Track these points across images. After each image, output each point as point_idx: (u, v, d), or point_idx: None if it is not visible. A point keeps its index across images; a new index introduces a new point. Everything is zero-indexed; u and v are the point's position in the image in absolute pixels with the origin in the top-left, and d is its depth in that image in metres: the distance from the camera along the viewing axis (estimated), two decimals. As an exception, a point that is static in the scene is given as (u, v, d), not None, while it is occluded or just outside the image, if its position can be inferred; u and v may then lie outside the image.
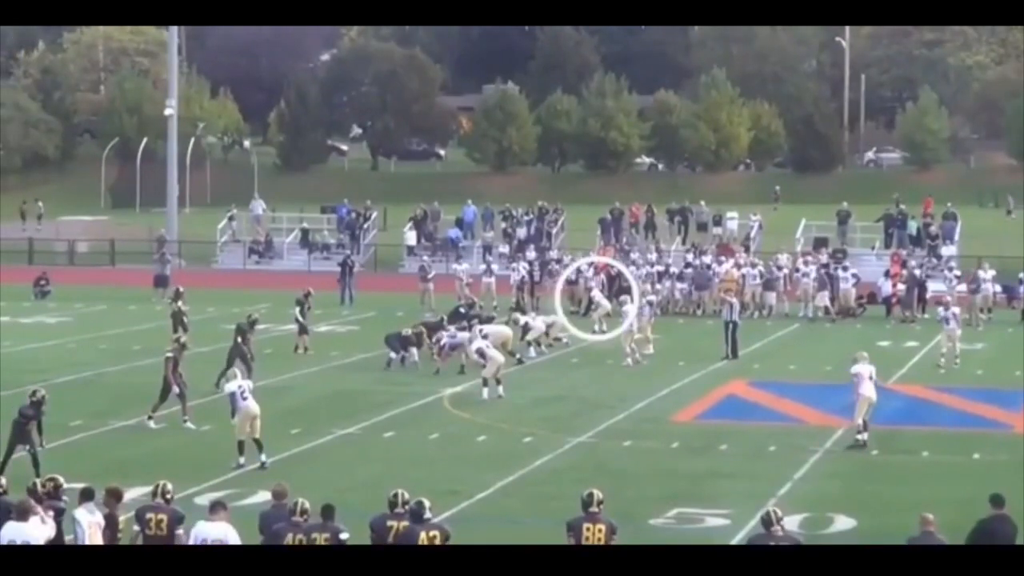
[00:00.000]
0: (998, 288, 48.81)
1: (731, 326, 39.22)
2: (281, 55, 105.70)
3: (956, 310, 38.60)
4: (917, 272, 49.59)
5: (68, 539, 17.11)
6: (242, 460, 25.44)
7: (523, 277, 50.53)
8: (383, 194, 77.60)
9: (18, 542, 15.83)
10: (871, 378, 27.90)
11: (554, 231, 63.84)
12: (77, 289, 54.49)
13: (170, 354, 29.26)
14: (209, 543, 16.22)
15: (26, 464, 23.65)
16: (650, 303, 41.22)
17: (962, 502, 21.55)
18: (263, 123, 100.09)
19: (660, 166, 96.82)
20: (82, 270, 63.62)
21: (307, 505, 16.62)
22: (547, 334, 39.95)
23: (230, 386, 26.43)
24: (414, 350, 36.58)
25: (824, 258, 52.52)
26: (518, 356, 37.26)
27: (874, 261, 57.17)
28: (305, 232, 66.46)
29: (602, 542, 16.25)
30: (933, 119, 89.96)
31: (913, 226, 59.84)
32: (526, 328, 39.02)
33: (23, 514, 16.15)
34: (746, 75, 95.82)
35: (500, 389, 32.47)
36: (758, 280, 49.20)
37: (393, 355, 36.65)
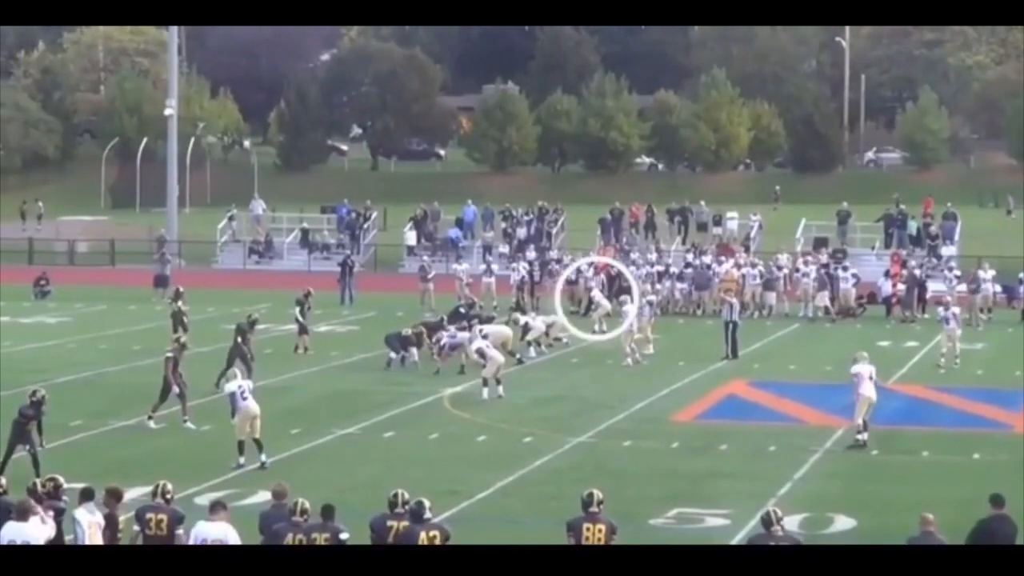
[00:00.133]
0: (998, 288, 48.81)
1: (731, 326, 39.22)
2: (281, 55, 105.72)
3: (956, 310, 38.59)
4: (917, 272, 49.59)
5: (68, 539, 17.11)
6: (242, 460, 25.45)
7: (523, 277, 50.53)
8: (383, 194, 77.61)
9: (18, 542, 15.82)
10: (871, 378, 27.91)
11: (554, 231, 63.84)
12: (77, 289, 54.49)
13: (170, 354, 29.26)
14: (209, 543, 16.22)
15: (26, 464, 23.65)
16: (650, 303, 41.22)
17: (962, 502, 21.56)
18: (263, 123, 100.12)
19: (660, 166, 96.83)
20: (82, 270, 63.62)
21: (307, 505, 16.62)
22: (547, 334, 39.95)
23: (230, 386, 26.43)
24: (414, 350, 36.57)
25: (824, 258, 52.52)
26: (518, 356, 37.26)
27: (874, 261, 57.17)
28: (305, 232, 66.46)
29: (602, 542, 16.25)
30: (933, 119, 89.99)
31: (913, 226, 59.84)
32: (526, 328, 39.03)
33: (23, 514, 16.15)
34: (746, 75, 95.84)
35: (500, 389, 32.47)
36: (758, 280, 49.20)
37: (393, 355, 36.65)
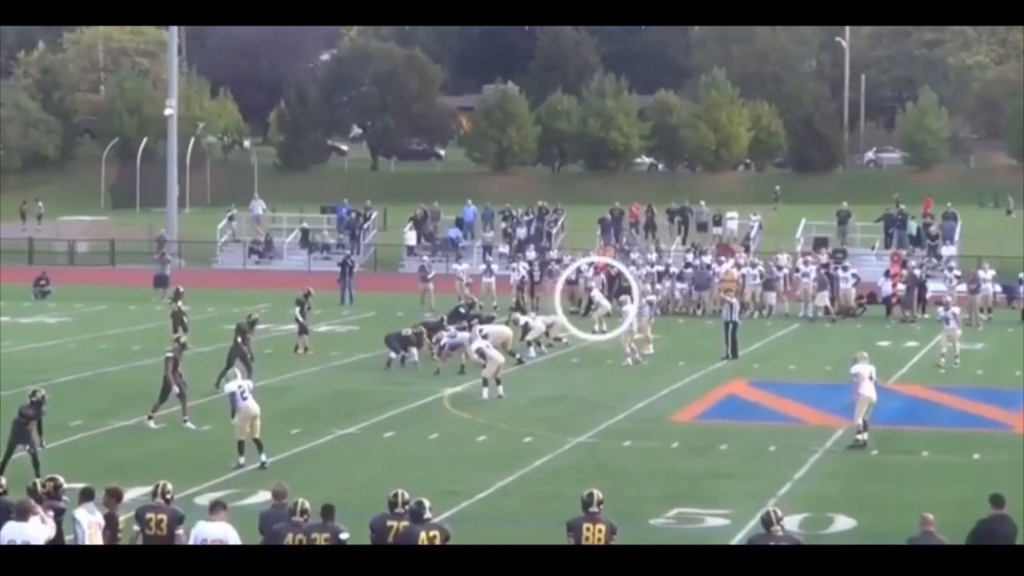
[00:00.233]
0: (998, 288, 48.81)
1: (731, 326, 39.22)
2: (281, 55, 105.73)
3: (956, 310, 38.58)
4: (917, 272, 49.59)
5: (68, 539, 17.11)
6: (242, 460, 25.44)
7: (523, 277, 50.53)
8: (383, 194, 77.61)
9: (18, 542, 15.83)
10: (871, 378, 27.90)
11: (554, 231, 63.84)
12: (77, 289, 54.49)
13: (170, 354, 29.26)
14: (209, 543, 16.22)
15: (26, 464, 23.65)
16: (650, 303, 41.23)
17: (962, 502, 21.55)
18: (263, 123, 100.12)
19: (660, 166, 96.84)
20: (82, 270, 63.62)
21: (307, 505, 16.62)
22: (547, 334, 39.94)
23: (230, 386, 26.43)
24: (414, 350, 36.57)
25: (824, 258, 52.51)
26: (518, 356, 37.26)
27: (874, 261, 57.17)
28: (305, 232, 66.46)
29: (602, 542, 16.25)
30: (933, 119, 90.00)
31: (913, 226, 59.85)
32: (526, 328, 39.03)
33: (23, 514, 16.15)
34: (746, 75, 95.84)
35: (500, 389, 32.47)
36: (758, 280, 49.20)
37: (393, 355, 36.65)
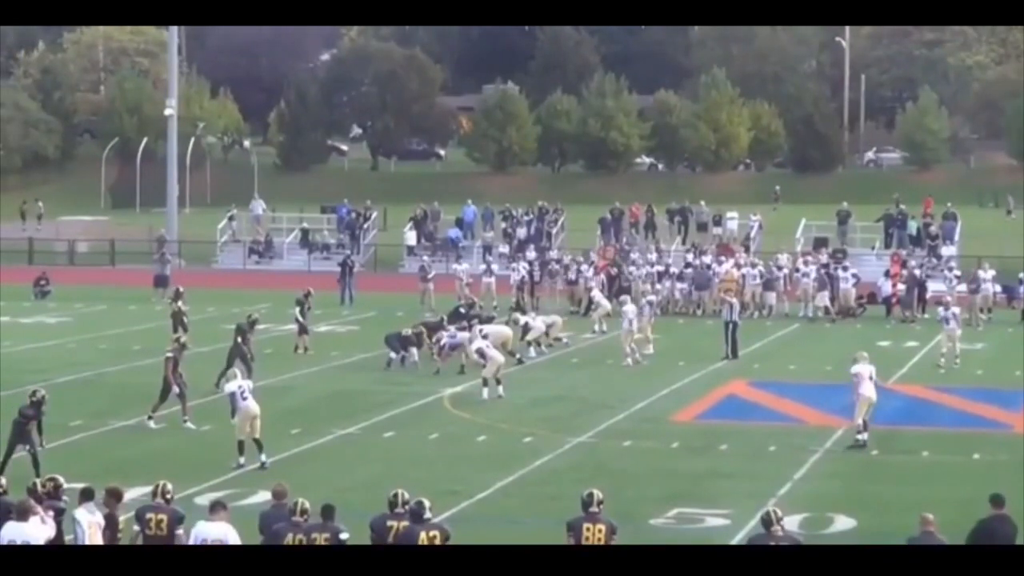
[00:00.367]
0: (998, 288, 48.82)
1: (731, 326, 39.21)
2: (281, 55, 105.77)
3: (956, 310, 38.58)
4: (917, 272, 49.60)
5: (68, 539, 17.11)
6: (242, 460, 25.44)
7: (523, 277, 50.53)
8: (383, 194, 77.60)
9: (18, 542, 15.83)
10: (871, 378, 27.89)
11: (554, 231, 63.83)
12: (77, 289, 54.49)
13: (170, 354, 29.25)
14: (209, 543, 16.22)
15: (26, 464, 23.64)
16: (650, 303, 41.23)
17: (962, 502, 21.56)
18: (263, 123, 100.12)
19: (660, 166, 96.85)
20: (82, 270, 63.62)
21: (307, 505, 16.62)
22: (547, 334, 39.94)
23: (230, 386, 26.43)
24: (414, 350, 36.56)
25: (824, 258, 52.51)
26: (518, 356, 37.26)
27: (874, 261, 57.16)
28: (305, 232, 66.45)
29: (602, 542, 16.25)
30: (933, 119, 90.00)
31: (913, 226, 59.84)
32: (526, 328, 39.02)
33: (23, 514, 16.15)
34: (746, 75, 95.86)
35: (500, 389, 32.46)
36: (758, 280, 49.20)
37: (393, 355, 36.64)
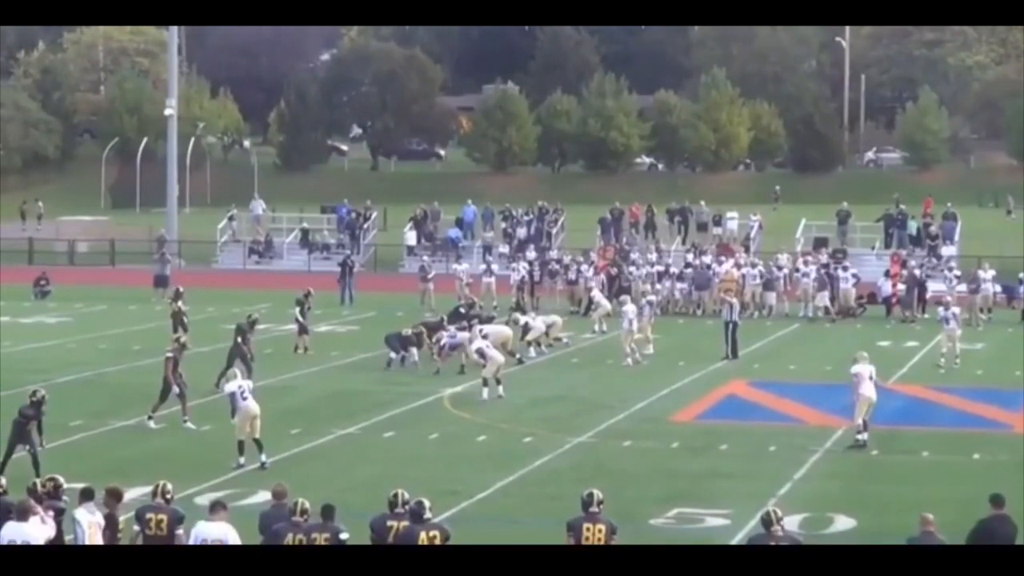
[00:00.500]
0: (998, 288, 48.83)
1: (731, 326, 39.20)
2: (281, 55, 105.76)
3: (956, 310, 38.58)
4: (917, 272, 49.59)
5: (68, 539, 17.10)
6: (242, 460, 25.44)
7: (523, 277, 50.53)
8: (383, 194, 77.59)
9: (18, 542, 15.83)
10: (871, 378, 27.88)
11: (554, 231, 63.82)
12: (77, 289, 54.47)
13: (170, 354, 29.25)
14: (209, 543, 16.22)
15: (26, 464, 23.63)
16: (650, 303, 41.22)
17: (962, 502, 21.56)
18: (263, 123, 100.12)
19: (660, 166, 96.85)
20: (82, 270, 63.61)
21: (307, 505, 16.62)
22: (547, 334, 39.93)
23: (230, 386, 26.42)
24: (414, 350, 36.55)
25: (824, 258, 52.50)
26: (518, 356, 37.25)
27: (874, 261, 57.14)
28: (305, 232, 66.45)
29: (602, 542, 16.24)
30: (933, 119, 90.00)
31: (913, 226, 59.84)
32: (526, 328, 39.01)
33: (23, 514, 16.15)
34: (746, 75, 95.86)
35: (500, 389, 32.46)
36: (758, 280, 49.20)
37: (393, 355, 36.63)
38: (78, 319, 46.93)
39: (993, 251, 54.15)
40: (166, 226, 66.97)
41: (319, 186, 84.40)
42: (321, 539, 16.25)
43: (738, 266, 50.22)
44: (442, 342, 36.25)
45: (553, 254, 55.51)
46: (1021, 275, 49.92)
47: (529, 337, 38.96)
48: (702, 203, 65.45)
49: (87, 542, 16.61)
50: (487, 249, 61.34)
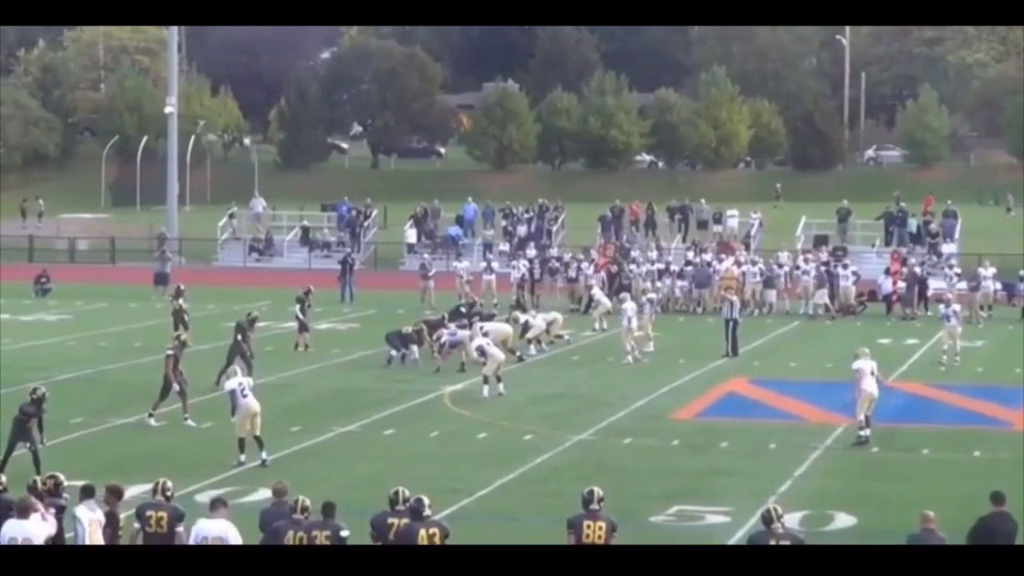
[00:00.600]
0: (998, 286, 48.84)
1: (731, 324, 39.21)
2: (281, 53, 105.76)
3: (957, 307, 38.63)
4: (917, 270, 49.60)
5: (68, 537, 17.10)
6: (243, 458, 25.44)
7: (523, 275, 50.53)
8: (383, 192, 77.60)
9: (19, 539, 15.84)
10: (872, 374, 27.87)
11: (554, 229, 63.83)
12: (77, 287, 54.47)
13: (170, 352, 29.26)
14: (210, 541, 16.23)
15: (27, 462, 23.63)
16: (650, 301, 41.22)
17: (963, 499, 21.59)
18: (263, 121, 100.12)
19: (660, 164, 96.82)
20: (82, 268, 63.62)
21: (308, 503, 16.62)
22: (548, 331, 39.92)
23: (230, 384, 26.43)
24: (415, 348, 36.56)
25: (824, 256, 52.50)
26: (518, 354, 37.26)
27: (874, 259, 57.16)
28: (305, 230, 66.47)
29: (602, 539, 16.25)
30: (933, 117, 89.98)
31: (913, 224, 59.85)
32: (526, 326, 39.00)
33: (24, 511, 16.16)
34: (746, 73, 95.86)
35: (500, 387, 32.46)
36: (758, 278, 49.21)
37: (394, 353, 36.63)
38: (78, 317, 46.94)
39: (993, 249, 54.16)
40: (166, 224, 67.00)
41: (319, 184, 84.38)
42: (322, 537, 16.25)
43: (738, 264, 50.23)
44: (442, 340, 36.26)
45: (553, 252, 55.51)
46: (1022, 272, 49.90)
47: (529, 335, 38.96)
48: (702, 201, 65.46)
49: (87, 540, 16.60)
50: (487, 247, 61.32)
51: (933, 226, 59.50)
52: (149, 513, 16.92)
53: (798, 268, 49.74)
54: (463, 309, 40.50)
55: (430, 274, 50.69)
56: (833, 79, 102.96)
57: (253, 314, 35.29)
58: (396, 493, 16.79)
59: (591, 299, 46.24)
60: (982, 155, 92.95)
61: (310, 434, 28.24)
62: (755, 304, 48.67)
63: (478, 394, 32.31)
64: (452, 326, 37.04)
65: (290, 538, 16.27)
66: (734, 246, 57.12)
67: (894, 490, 24.17)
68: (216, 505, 16.79)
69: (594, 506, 16.48)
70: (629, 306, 38.69)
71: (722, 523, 21.96)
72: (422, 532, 16.06)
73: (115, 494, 17.49)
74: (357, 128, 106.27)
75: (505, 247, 60.63)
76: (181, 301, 38.46)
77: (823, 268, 49.52)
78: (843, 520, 22.25)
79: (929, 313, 46.67)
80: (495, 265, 52.10)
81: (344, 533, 16.36)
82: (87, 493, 17.03)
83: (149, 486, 17.84)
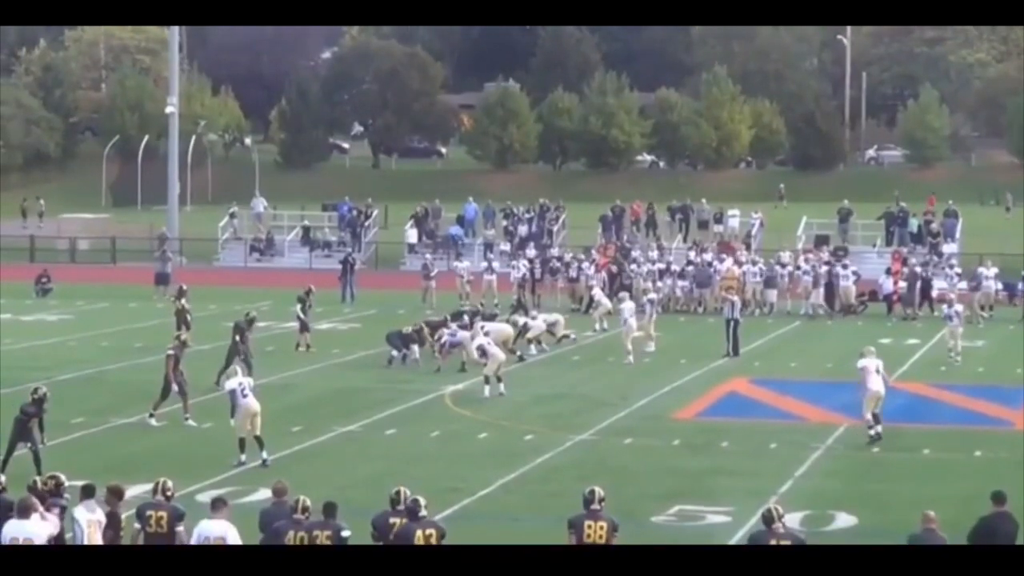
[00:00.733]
0: (999, 285, 48.83)
1: (732, 324, 39.19)
2: (282, 52, 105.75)
3: (960, 308, 38.69)
4: (919, 270, 49.58)
5: (67, 537, 17.09)
6: (243, 458, 25.43)
7: (524, 275, 50.51)
8: (384, 192, 77.61)
9: (20, 540, 15.84)
10: (878, 372, 27.84)
11: (555, 229, 63.81)
12: (78, 287, 54.47)
13: (171, 352, 29.25)
14: (211, 541, 16.23)
15: (27, 462, 23.62)
16: (651, 301, 41.21)
17: (963, 499, 21.59)
18: (264, 120, 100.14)
19: (661, 164, 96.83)
20: (83, 268, 63.62)
21: (308, 503, 16.61)
22: (552, 333, 39.88)
23: (230, 383, 26.42)
24: (415, 348, 36.55)
25: (825, 256, 52.48)
26: (519, 354, 37.25)
27: (875, 259, 57.12)
28: (306, 230, 66.46)
29: (604, 540, 16.24)
30: (934, 117, 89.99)
31: (914, 224, 59.83)
32: (524, 328, 38.94)
33: (24, 511, 16.16)
34: (747, 72, 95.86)
35: (501, 387, 32.45)
36: (758, 278, 49.19)
37: (394, 353, 36.61)
38: (79, 317, 46.94)
39: (994, 249, 54.11)
40: (167, 224, 67.00)
41: (320, 184, 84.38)
42: (323, 537, 16.24)
43: (739, 264, 50.21)
44: (443, 340, 36.25)
45: (554, 252, 55.47)
46: (1023, 272, 49.89)
47: (529, 335, 38.93)
48: (703, 201, 65.46)
49: (86, 540, 16.60)
50: (488, 247, 61.30)
51: (934, 226, 59.48)
52: (149, 513, 16.92)
53: (798, 268, 49.73)
54: (466, 316, 40.29)
55: (432, 274, 50.69)
56: (834, 79, 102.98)
57: (251, 314, 35.24)
58: (397, 493, 16.79)
59: (592, 299, 46.23)
60: (983, 155, 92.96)
61: (311, 434, 28.24)
62: (756, 304, 48.66)
63: (479, 394, 32.31)
64: (453, 326, 37.02)
65: (291, 538, 16.27)
66: (735, 246, 57.11)
67: (895, 490, 24.16)
68: (217, 505, 16.79)
69: (595, 506, 16.48)
70: (627, 306, 38.71)
71: (723, 523, 21.96)
72: (419, 533, 16.05)
73: (116, 494, 17.49)
74: (358, 128, 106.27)
75: (506, 247, 60.61)
76: (184, 301, 38.44)
77: (822, 268, 49.43)
78: (844, 520, 22.24)
79: (935, 314, 46.61)
80: (496, 265, 52.09)
81: (345, 533, 16.36)
82: (87, 493, 17.03)
83: (150, 486, 17.83)
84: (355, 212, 66.03)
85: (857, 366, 28.08)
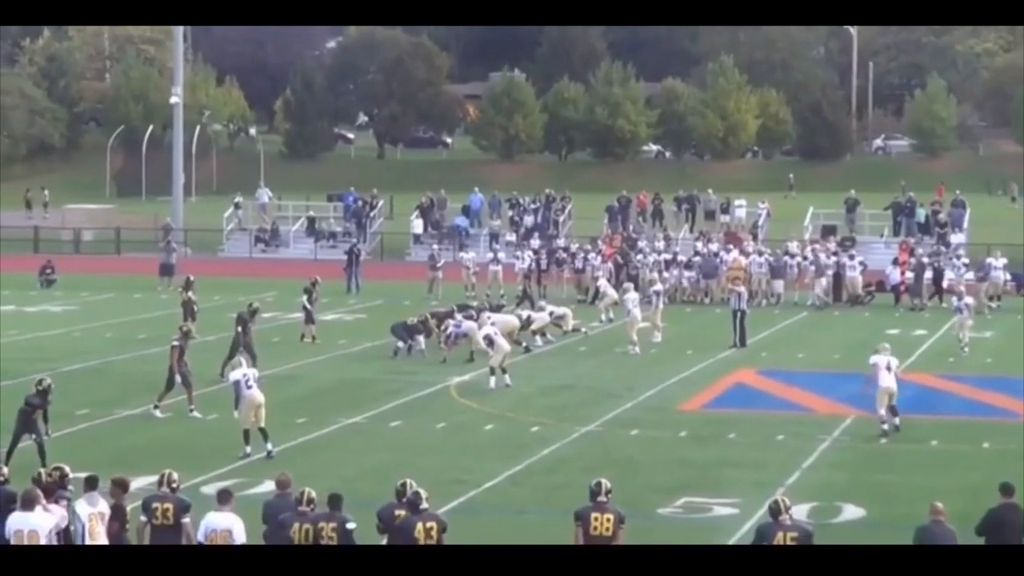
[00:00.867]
0: (1008, 276, 48.71)
1: (739, 314, 39.06)
2: (287, 43, 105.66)
3: (970, 300, 38.64)
4: (925, 260, 49.45)
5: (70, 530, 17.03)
6: (248, 449, 25.34)
7: (530, 265, 50.41)
8: (389, 182, 77.54)
9: (25, 531, 15.81)
10: (888, 368, 27.72)
11: (561, 219, 63.72)
12: (83, 278, 54.41)
13: (176, 343, 29.16)
14: (218, 533, 16.20)
15: (32, 453, 23.58)
16: (657, 292, 41.10)
17: (972, 491, 21.50)
18: (269, 111, 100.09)
19: (667, 154, 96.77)
20: (87, 258, 63.56)
21: (313, 494, 16.53)
22: (560, 326, 39.75)
23: (235, 374, 26.35)
24: (421, 339, 36.45)
25: (832, 246, 52.35)
26: (524, 344, 37.15)
27: (883, 249, 56.99)
28: (311, 220, 66.36)
29: (610, 532, 16.17)
30: (941, 106, 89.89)
31: (922, 214, 59.69)
32: (528, 321, 38.79)
33: (28, 503, 16.11)
34: (754, 62, 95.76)
35: (507, 378, 32.36)
36: (764, 268, 49.06)
37: (400, 344, 36.52)
38: (84, 308, 46.87)
39: (1002, 239, 53.98)
40: (172, 214, 66.95)
41: (325, 174, 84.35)
42: (328, 529, 16.17)
43: (745, 254, 50.07)
44: (448, 331, 36.15)
45: (560, 242, 55.35)
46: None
47: (534, 327, 38.80)
48: (710, 191, 65.36)
49: (87, 535, 16.54)
50: (494, 237, 61.19)
51: (942, 216, 59.33)
52: (155, 505, 16.87)
53: (806, 258, 49.60)
54: (473, 313, 40.10)
55: (439, 265, 50.58)
56: (841, 68, 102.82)
57: (254, 305, 35.07)
58: (403, 485, 16.73)
59: (597, 290, 46.11)
60: (990, 145, 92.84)
61: (316, 425, 28.16)
62: (763, 295, 48.54)
63: (485, 385, 32.22)
64: (459, 316, 36.91)
65: (296, 530, 16.20)
66: (741, 236, 56.99)
67: (903, 482, 24.08)
68: (224, 497, 16.73)
69: (602, 498, 16.39)
70: (631, 296, 38.60)
71: (730, 515, 21.87)
72: (419, 525, 15.97)
73: (121, 487, 17.42)
74: (363, 118, 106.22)
75: (512, 237, 60.51)
76: (190, 293, 38.37)
77: (830, 259, 49.29)
78: (851, 512, 22.15)
79: (944, 305, 46.44)
80: (501, 256, 52.00)
81: (350, 525, 16.27)
82: (90, 484, 16.97)
83: (155, 478, 17.79)
84: (360, 203, 65.93)
85: (869, 362, 27.98)
